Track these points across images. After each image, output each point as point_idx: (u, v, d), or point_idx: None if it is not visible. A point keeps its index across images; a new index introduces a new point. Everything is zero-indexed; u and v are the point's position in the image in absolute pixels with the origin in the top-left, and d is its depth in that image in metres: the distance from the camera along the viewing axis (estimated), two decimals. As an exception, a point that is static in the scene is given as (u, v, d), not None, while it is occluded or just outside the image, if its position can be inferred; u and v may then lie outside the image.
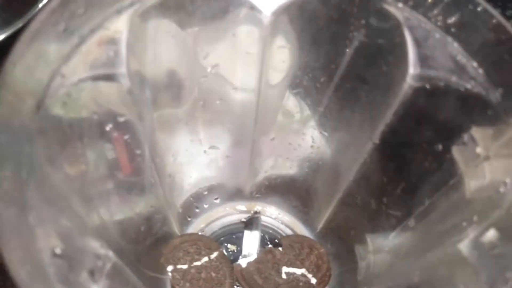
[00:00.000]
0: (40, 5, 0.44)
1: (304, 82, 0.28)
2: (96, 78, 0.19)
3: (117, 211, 0.26)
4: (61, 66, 0.17)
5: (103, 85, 0.20)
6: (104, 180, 0.23)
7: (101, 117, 0.21)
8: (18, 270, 0.12)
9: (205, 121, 0.31)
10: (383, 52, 0.23)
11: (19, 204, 0.14)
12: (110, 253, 0.17)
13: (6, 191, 0.13)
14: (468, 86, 0.19)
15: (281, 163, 0.36)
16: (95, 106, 0.21)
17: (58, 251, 0.14)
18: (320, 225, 0.36)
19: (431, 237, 0.23)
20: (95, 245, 0.16)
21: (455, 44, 0.20)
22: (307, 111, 0.31)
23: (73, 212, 0.17)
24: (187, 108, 0.29)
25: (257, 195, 0.38)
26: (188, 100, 0.29)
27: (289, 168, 0.36)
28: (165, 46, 0.24)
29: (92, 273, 0.15)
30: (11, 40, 0.43)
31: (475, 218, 0.19)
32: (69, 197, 0.18)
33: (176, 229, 0.35)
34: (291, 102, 0.31)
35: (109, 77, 0.20)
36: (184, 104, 0.29)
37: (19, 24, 0.44)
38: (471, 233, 0.19)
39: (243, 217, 0.37)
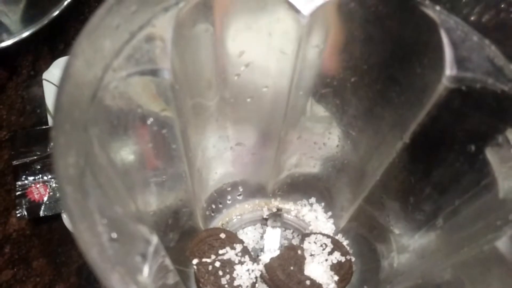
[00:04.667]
0: (65, 3, 0.45)
1: (334, 82, 0.28)
2: (143, 73, 0.20)
3: (152, 202, 0.26)
4: (113, 60, 0.18)
5: (148, 80, 0.21)
6: (142, 171, 0.24)
7: (144, 111, 0.22)
8: (88, 250, 0.12)
9: (234, 118, 0.32)
10: (417, 53, 0.23)
11: (81, 190, 0.15)
12: (155, 239, 0.18)
13: (72, 176, 0.14)
14: (505, 88, 0.20)
15: (305, 162, 0.36)
16: (139, 100, 0.21)
17: (114, 235, 0.15)
18: (342, 224, 0.36)
19: (461, 235, 0.23)
20: (145, 231, 0.17)
21: (493, 47, 0.20)
22: (333, 111, 0.32)
23: (122, 199, 0.18)
24: (218, 104, 0.30)
25: (280, 192, 0.39)
26: (220, 96, 0.29)
27: (312, 167, 0.37)
28: (203, 43, 0.25)
29: (144, 257, 0.16)
30: (37, 36, 0.44)
31: (510, 216, 0.19)
32: (117, 184, 0.19)
33: (200, 223, 0.36)
34: (317, 101, 0.32)
35: (155, 73, 0.20)
36: (215, 99, 0.30)
37: (44, 21, 0.45)
38: (509, 231, 0.19)
39: (265, 214, 0.38)
